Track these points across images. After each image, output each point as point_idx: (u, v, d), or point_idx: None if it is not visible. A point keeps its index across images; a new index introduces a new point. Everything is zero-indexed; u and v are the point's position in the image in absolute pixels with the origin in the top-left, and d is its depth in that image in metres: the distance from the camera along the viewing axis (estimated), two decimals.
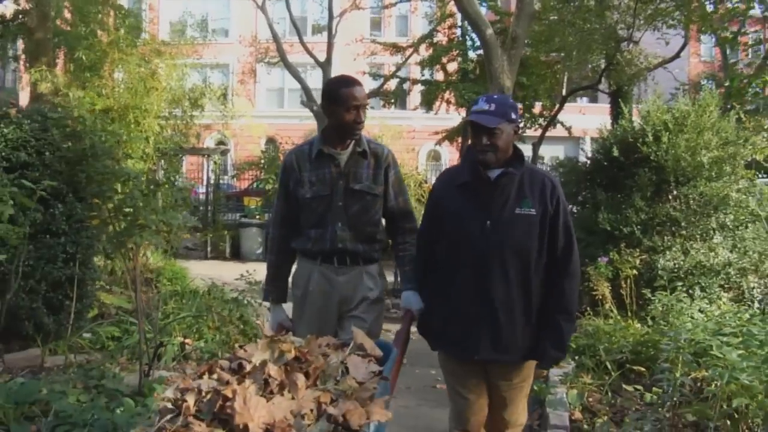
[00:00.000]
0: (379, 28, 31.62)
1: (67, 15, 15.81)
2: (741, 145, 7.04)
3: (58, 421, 3.95)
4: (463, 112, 21.01)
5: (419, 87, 20.90)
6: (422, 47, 20.37)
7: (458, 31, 20.51)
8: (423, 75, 21.87)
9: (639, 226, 6.79)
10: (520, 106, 17.43)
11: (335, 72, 22.92)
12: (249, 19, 29.74)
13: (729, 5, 12.76)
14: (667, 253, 6.63)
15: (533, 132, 18.31)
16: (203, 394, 2.24)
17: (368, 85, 23.43)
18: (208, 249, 14.37)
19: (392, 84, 21.42)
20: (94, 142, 5.46)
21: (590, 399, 4.74)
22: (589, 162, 7.98)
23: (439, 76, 21.10)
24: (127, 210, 4.29)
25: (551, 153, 25.07)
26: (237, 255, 14.26)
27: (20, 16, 14.47)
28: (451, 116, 21.79)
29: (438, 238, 3.20)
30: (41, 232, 5.48)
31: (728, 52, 13.74)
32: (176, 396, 2.25)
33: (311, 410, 2.22)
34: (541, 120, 18.44)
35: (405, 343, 3.12)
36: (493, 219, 3.02)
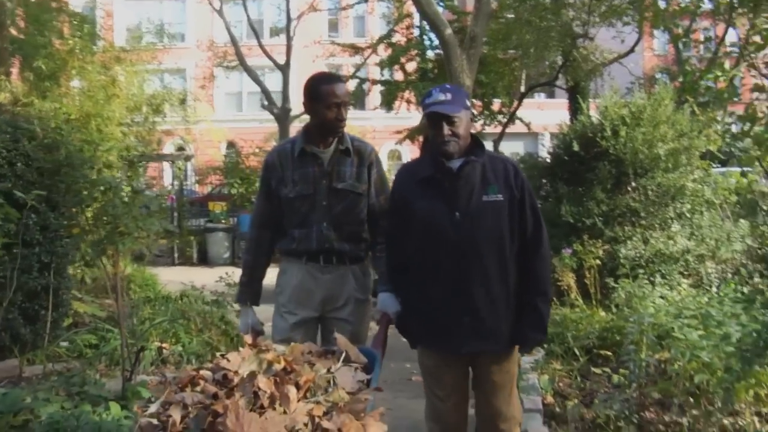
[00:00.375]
0: (337, 29, 31.73)
1: (20, 23, 15.65)
2: (695, 137, 7.31)
3: (46, 428, 4.02)
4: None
5: (379, 87, 21.03)
6: (381, 47, 20.52)
7: (416, 31, 20.70)
8: (382, 75, 22.03)
9: (600, 218, 7.03)
10: (479, 103, 17.69)
11: (294, 74, 23.14)
12: (205, 23, 29.62)
13: (680, 2, 13.12)
14: (629, 242, 6.87)
15: (493, 129, 18.55)
16: (189, 408, 2.15)
17: None
18: (176, 255, 14.37)
19: (351, 85, 21.53)
20: (70, 152, 5.50)
21: (561, 384, 4.94)
22: (550, 157, 8.21)
23: (399, 75, 21.27)
24: (107, 218, 4.38)
25: (511, 149, 25.39)
26: (204, 260, 14.30)
27: None
28: (411, 115, 21.97)
29: (407, 235, 3.14)
30: (15, 243, 5.51)
31: (681, 47, 14.12)
32: (160, 411, 2.16)
33: (305, 424, 2.12)
34: (500, 117, 18.69)
35: (383, 346, 3.07)
36: (461, 210, 2.98)
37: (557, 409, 4.50)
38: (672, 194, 7.08)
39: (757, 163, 3.97)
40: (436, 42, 15.23)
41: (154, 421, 2.14)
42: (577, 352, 5.27)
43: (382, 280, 3.37)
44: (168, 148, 24.26)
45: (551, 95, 29.08)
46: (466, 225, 2.97)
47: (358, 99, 23.01)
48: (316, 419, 2.14)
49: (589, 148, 7.35)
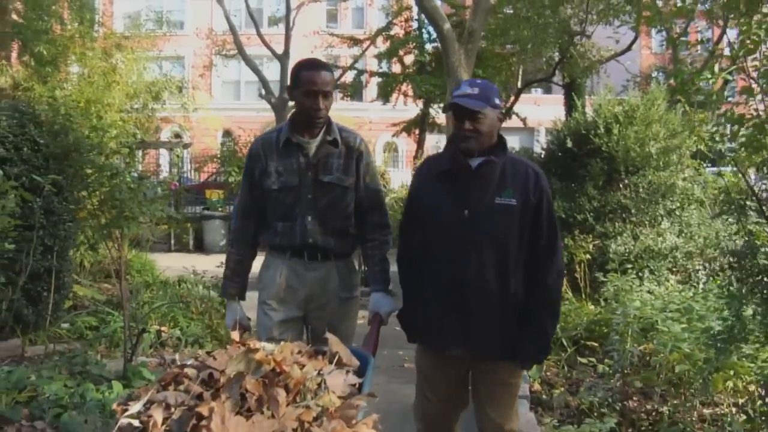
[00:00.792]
0: (336, 20, 31.76)
1: (18, 6, 15.67)
2: (686, 137, 7.46)
3: (50, 404, 4.16)
4: (420, 104, 21.37)
5: (376, 79, 21.15)
6: (379, 40, 20.63)
7: (415, 24, 20.82)
8: (380, 67, 22.15)
9: (592, 214, 7.19)
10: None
11: (293, 64, 22.94)
12: (205, 10, 29.63)
13: (677, 3, 13.24)
14: (619, 238, 7.03)
15: None
16: (172, 409, 2.03)
17: None
18: (172, 242, 14.48)
19: (349, 76, 21.64)
20: (78, 138, 5.63)
21: (548, 373, 5.11)
22: (543, 153, 8.36)
23: (396, 68, 21.39)
24: (113, 202, 4.51)
25: (508, 144, 25.49)
26: (200, 247, 14.42)
27: None
28: (408, 108, 22.11)
29: (415, 227, 3.07)
30: (19, 226, 5.64)
31: (675, 48, 14.28)
32: (141, 411, 2.04)
33: (294, 430, 2.01)
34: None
35: (374, 348, 2.95)
36: (471, 208, 2.87)
37: (544, 397, 4.67)
38: (662, 192, 7.23)
39: (746, 163, 4.10)
40: (435, 35, 15.35)
41: (135, 422, 2.02)
42: (565, 343, 5.43)
43: (375, 279, 3.27)
44: (165, 135, 24.36)
45: (548, 91, 29.23)
46: (472, 224, 2.86)
47: (356, 90, 23.11)
48: (306, 425, 2.02)
49: (582, 145, 7.50)
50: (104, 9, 21.33)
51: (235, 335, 2.45)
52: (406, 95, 20.88)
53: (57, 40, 12.77)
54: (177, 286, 7.78)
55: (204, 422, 1.92)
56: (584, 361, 5.15)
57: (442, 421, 3.17)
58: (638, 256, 6.91)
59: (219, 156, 17.41)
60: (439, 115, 20.37)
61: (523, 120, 19.18)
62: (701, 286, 6.59)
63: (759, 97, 3.92)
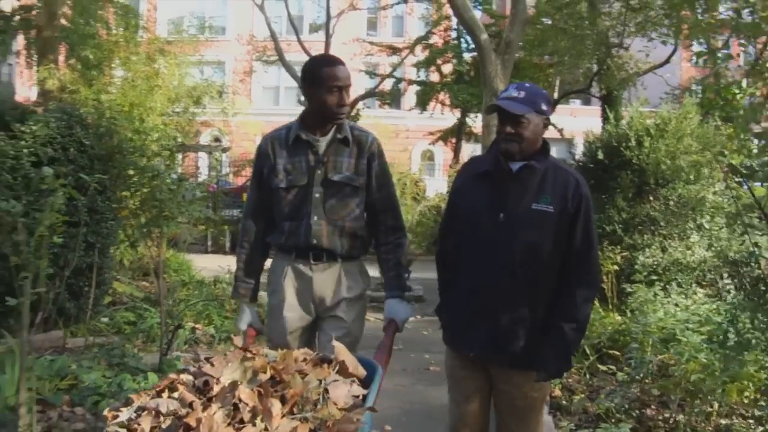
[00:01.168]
0: (376, 28, 32.00)
1: (66, 11, 16.07)
2: (718, 151, 7.49)
3: (89, 392, 4.39)
4: (457, 113, 21.49)
5: (414, 87, 21.30)
6: (418, 48, 20.79)
7: (453, 34, 20.95)
8: (418, 76, 22.30)
9: (621, 225, 7.26)
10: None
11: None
12: (246, 16, 30.03)
13: (720, 15, 13.19)
14: (647, 250, 7.09)
15: None
16: (161, 417, 2.00)
17: (364, 84, 23.92)
18: (209, 243, 14.77)
19: (388, 84, 21.83)
20: (122, 140, 5.89)
21: (570, 380, 5.21)
22: (574, 164, 8.44)
23: (434, 77, 21.53)
24: (154, 202, 4.73)
25: None
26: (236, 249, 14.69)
27: (21, 12, 14.74)
28: (446, 117, 22.22)
29: (453, 226, 3.05)
30: (65, 223, 5.89)
31: (703, 63, 14.18)
32: (132, 418, 2.02)
33: None
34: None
35: (387, 356, 2.88)
36: (507, 212, 2.81)
37: (564, 402, 4.77)
38: (692, 205, 7.27)
39: None
40: (473, 45, 15.46)
41: (122, 431, 1.99)
42: (588, 351, 5.52)
43: (390, 284, 3.20)
44: (204, 139, 24.78)
45: (587, 102, 29.09)
46: (507, 228, 2.80)
47: (394, 98, 23.30)
48: None
49: (613, 157, 7.57)
50: (148, 15, 21.81)
51: (238, 340, 2.44)
52: (443, 104, 21.01)
53: (103, 44, 13.12)
54: (212, 285, 8.02)
55: None
56: (604, 368, 5.24)
57: (470, 424, 3.02)
58: (666, 268, 6.95)
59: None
60: (476, 124, 20.46)
61: (560, 130, 19.18)
62: (729, 298, 6.62)
63: None
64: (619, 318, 6.22)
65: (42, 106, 6.26)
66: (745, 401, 4.05)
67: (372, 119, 23.85)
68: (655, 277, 6.52)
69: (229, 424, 1.98)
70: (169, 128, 12.21)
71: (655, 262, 6.96)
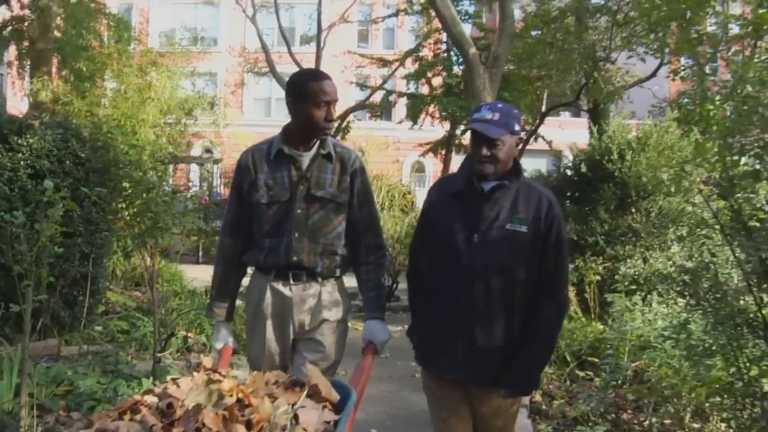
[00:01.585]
0: (367, 41, 32.23)
1: (59, 23, 16.14)
2: (698, 164, 7.69)
3: (86, 398, 4.53)
4: (447, 125, 21.71)
5: (404, 100, 21.49)
6: (408, 61, 20.98)
7: (443, 46, 21.17)
8: (408, 88, 22.50)
9: (603, 236, 7.46)
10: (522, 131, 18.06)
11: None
12: (238, 28, 30.23)
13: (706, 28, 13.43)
14: (629, 261, 7.29)
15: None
16: None
17: (355, 96, 24.13)
18: (200, 254, 14.88)
19: (378, 96, 22.02)
20: (118, 154, 6.06)
21: (551, 386, 5.38)
22: (558, 176, 8.66)
23: (424, 89, 21.73)
24: (149, 214, 4.89)
25: (534, 166, 25.68)
26: None
27: (13, 23, 14.84)
28: (436, 129, 22.41)
29: (425, 247, 3.03)
30: (60, 234, 6.05)
31: (684, 77, 14.43)
32: None
33: None
34: (523, 134, 19.01)
35: (365, 379, 2.75)
36: (480, 233, 2.82)
37: (543, 407, 4.94)
38: (672, 217, 7.46)
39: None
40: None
41: None
42: (568, 358, 5.70)
43: (370, 306, 3.15)
44: (196, 150, 24.91)
45: (576, 114, 29.37)
46: (481, 249, 2.81)
47: (385, 110, 23.46)
48: None
49: (596, 170, 7.78)
50: (141, 27, 21.95)
51: (207, 361, 2.36)
52: (433, 116, 21.19)
53: (96, 57, 13.25)
54: (204, 295, 8.15)
55: None
56: (582, 374, 5.42)
57: None
58: (647, 278, 7.13)
59: None
60: (465, 136, 20.66)
61: (549, 143, 19.38)
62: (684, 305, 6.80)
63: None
64: (600, 327, 6.40)
65: (37, 118, 6.41)
66: (717, 405, 4.21)
67: (363, 131, 24.05)
68: (635, 287, 6.70)
69: None
70: (161, 140, 12.39)
71: (637, 273, 7.15)
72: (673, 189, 7.58)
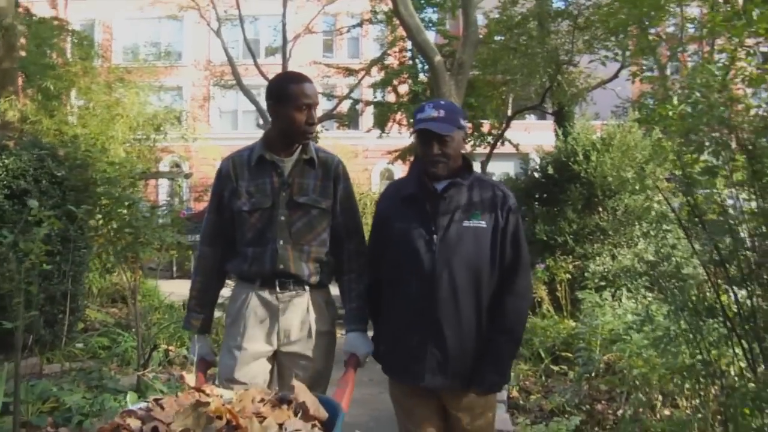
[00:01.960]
0: (332, 50, 32.34)
1: (22, 41, 16.00)
2: (660, 163, 7.94)
3: (71, 413, 4.60)
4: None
5: (371, 108, 21.64)
6: (374, 69, 21.14)
7: (408, 54, 21.36)
8: (375, 97, 22.66)
9: (572, 236, 7.68)
10: (469, 124, 18.32)
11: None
12: (202, 42, 30.12)
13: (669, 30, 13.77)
14: (597, 258, 7.50)
15: (483, 149, 19.17)
16: None
17: (322, 106, 24.22)
18: (174, 269, 14.87)
19: (345, 105, 22.14)
20: (95, 172, 6.12)
21: (527, 382, 5.56)
22: (526, 179, 8.87)
23: (391, 97, 21.90)
24: (130, 229, 4.98)
25: (502, 169, 25.93)
26: None
27: None
28: (403, 136, 22.57)
29: (383, 254, 2.96)
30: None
31: (668, 71, 14.77)
32: None
33: None
34: (490, 138, 19.29)
35: (349, 393, 2.71)
36: (440, 233, 2.78)
37: (521, 402, 5.11)
38: (638, 214, 7.69)
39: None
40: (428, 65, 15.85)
41: None
42: (543, 355, 5.88)
43: (352, 317, 3.02)
44: (164, 166, 24.83)
45: (541, 117, 29.72)
46: (443, 250, 2.77)
47: (352, 119, 23.62)
48: None
49: (562, 172, 8.00)
50: (105, 43, 21.88)
51: (190, 379, 2.28)
52: (400, 124, 21.36)
53: (63, 75, 13.22)
54: (182, 309, 8.22)
55: None
56: (556, 368, 5.60)
57: None
58: (616, 275, 7.34)
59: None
60: None
61: (516, 146, 19.64)
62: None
63: None
64: (572, 323, 6.59)
65: (11, 139, 6.46)
66: (680, 385, 4.39)
67: (331, 140, 24.15)
68: (604, 284, 6.90)
69: None
70: (132, 156, 12.40)
71: (606, 270, 7.35)
72: (637, 187, 7.85)
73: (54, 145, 6.62)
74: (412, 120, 20.09)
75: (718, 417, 3.68)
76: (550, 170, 8.07)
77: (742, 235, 3.46)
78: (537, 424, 4.46)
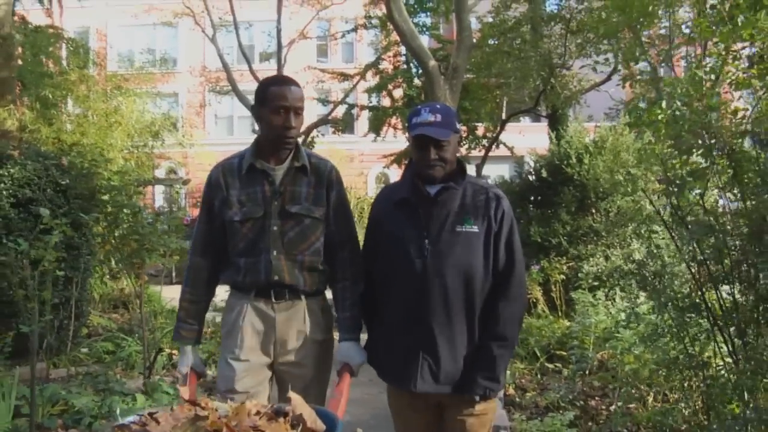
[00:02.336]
0: (326, 55, 32.48)
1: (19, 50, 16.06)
2: (651, 165, 8.09)
3: (81, 415, 4.73)
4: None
5: (367, 113, 21.75)
6: (368, 74, 21.25)
7: (403, 58, 21.48)
8: (370, 101, 22.79)
9: (566, 237, 7.83)
10: (464, 128, 18.44)
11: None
12: (197, 48, 30.22)
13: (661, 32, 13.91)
14: (591, 259, 7.65)
15: (478, 152, 19.29)
16: None
17: (318, 111, 24.37)
18: (173, 274, 14.96)
19: (340, 110, 22.26)
20: (101, 180, 6.26)
21: (523, 380, 5.71)
22: (520, 182, 9.02)
23: (386, 102, 22.01)
24: (136, 236, 5.13)
25: (497, 172, 26.01)
26: None
27: None
28: (398, 140, 22.69)
29: (376, 259, 2.94)
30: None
31: (660, 72, 14.89)
32: None
33: None
34: (484, 141, 19.42)
35: (344, 403, 2.67)
36: (432, 238, 2.76)
37: (517, 399, 5.27)
38: (631, 216, 7.83)
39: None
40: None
41: None
42: (538, 353, 6.03)
43: (345, 326, 2.98)
44: (160, 172, 24.90)
45: (536, 119, 29.84)
46: (435, 255, 2.75)
47: (348, 124, 23.71)
48: None
49: (556, 174, 8.15)
50: (101, 50, 21.94)
51: (185, 392, 2.24)
52: (395, 128, 21.47)
53: (61, 84, 13.32)
54: None
55: None
56: (551, 366, 5.75)
57: None
58: (609, 275, 7.48)
59: None
60: None
61: (511, 149, 19.76)
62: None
63: None
64: (567, 323, 6.74)
65: (16, 148, 6.59)
66: (665, 376, 4.52)
67: (326, 145, 24.27)
68: (597, 284, 7.05)
69: None
70: (130, 163, 12.51)
71: (599, 270, 7.50)
72: (630, 189, 8.00)
73: (57, 154, 6.75)
74: (407, 124, 20.39)
75: (699, 405, 3.85)
76: (544, 173, 8.23)
77: (721, 236, 3.61)
78: (533, 419, 4.62)
